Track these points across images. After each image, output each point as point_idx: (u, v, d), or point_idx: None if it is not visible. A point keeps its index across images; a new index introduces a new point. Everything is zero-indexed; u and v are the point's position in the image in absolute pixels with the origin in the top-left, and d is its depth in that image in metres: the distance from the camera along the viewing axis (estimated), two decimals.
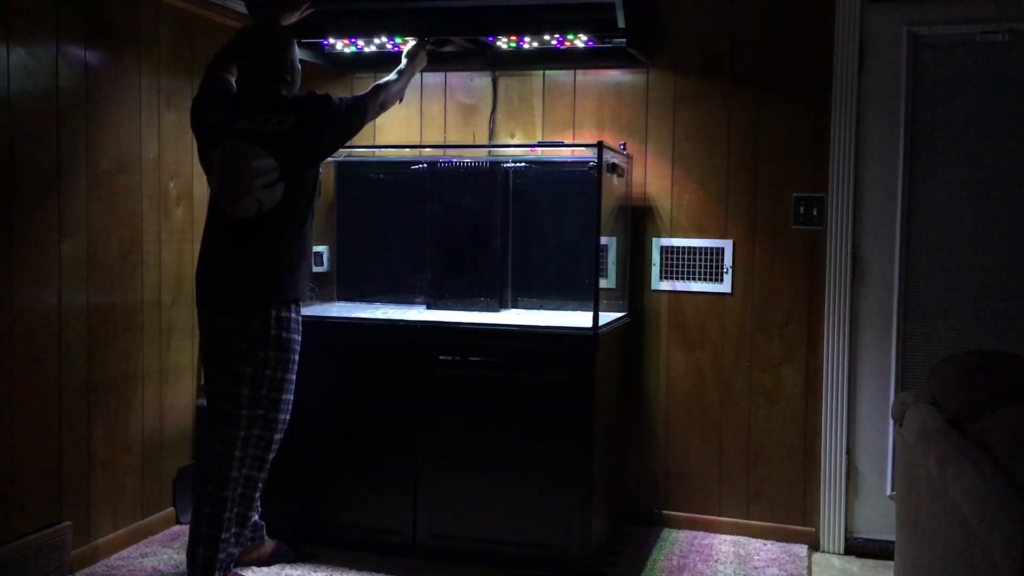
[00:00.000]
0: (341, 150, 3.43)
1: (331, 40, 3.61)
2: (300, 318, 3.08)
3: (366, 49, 3.66)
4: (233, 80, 3.17)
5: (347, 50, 3.69)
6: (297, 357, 3.07)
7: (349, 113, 3.07)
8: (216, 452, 3.00)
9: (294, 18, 3.31)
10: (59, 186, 3.12)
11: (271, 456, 3.11)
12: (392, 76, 3.29)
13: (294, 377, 3.07)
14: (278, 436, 3.09)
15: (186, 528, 3.68)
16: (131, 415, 3.48)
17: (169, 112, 3.61)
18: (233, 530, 3.05)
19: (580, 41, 3.46)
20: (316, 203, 3.12)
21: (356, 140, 4.16)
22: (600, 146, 3.27)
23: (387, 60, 3.77)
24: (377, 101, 3.18)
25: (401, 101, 3.37)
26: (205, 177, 3.14)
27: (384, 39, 3.56)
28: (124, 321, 3.43)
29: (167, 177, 3.62)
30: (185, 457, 3.80)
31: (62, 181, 3.13)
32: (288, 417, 3.10)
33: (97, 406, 3.31)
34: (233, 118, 2.98)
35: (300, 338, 3.08)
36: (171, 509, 3.72)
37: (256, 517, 3.22)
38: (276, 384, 3.01)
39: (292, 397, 3.09)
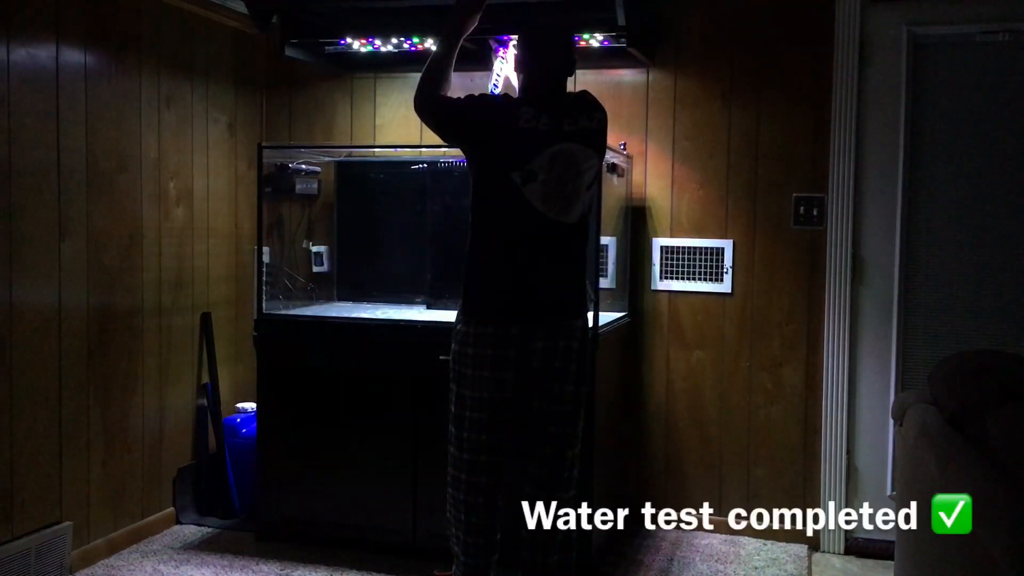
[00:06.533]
0: (341, 150, 3.41)
1: (327, 40, 3.60)
2: None
3: (362, 50, 3.65)
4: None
5: (344, 50, 3.68)
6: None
7: None
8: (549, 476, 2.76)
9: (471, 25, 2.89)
10: (59, 186, 3.12)
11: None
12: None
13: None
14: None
15: (186, 528, 3.69)
16: (131, 415, 3.48)
17: (169, 112, 3.61)
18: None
19: (580, 40, 3.45)
20: None
21: (356, 140, 4.17)
22: None
23: (385, 61, 3.77)
24: None
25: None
26: (503, 185, 2.63)
27: (381, 40, 3.56)
28: (124, 321, 3.43)
29: (167, 177, 3.62)
30: (185, 457, 3.80)
31: (62, 181, 3.13)
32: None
33: (97, 406, 3.31)
34: (557, 120, 2.66)
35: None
36: (171, 509, 3.72)
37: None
38: (582, 399, 2.82)
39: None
